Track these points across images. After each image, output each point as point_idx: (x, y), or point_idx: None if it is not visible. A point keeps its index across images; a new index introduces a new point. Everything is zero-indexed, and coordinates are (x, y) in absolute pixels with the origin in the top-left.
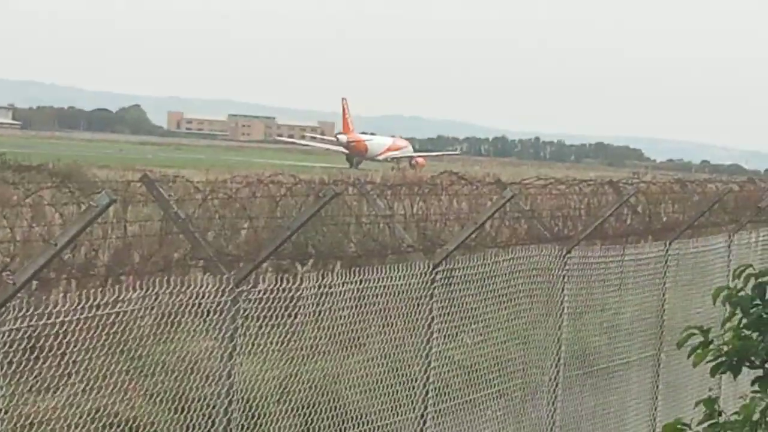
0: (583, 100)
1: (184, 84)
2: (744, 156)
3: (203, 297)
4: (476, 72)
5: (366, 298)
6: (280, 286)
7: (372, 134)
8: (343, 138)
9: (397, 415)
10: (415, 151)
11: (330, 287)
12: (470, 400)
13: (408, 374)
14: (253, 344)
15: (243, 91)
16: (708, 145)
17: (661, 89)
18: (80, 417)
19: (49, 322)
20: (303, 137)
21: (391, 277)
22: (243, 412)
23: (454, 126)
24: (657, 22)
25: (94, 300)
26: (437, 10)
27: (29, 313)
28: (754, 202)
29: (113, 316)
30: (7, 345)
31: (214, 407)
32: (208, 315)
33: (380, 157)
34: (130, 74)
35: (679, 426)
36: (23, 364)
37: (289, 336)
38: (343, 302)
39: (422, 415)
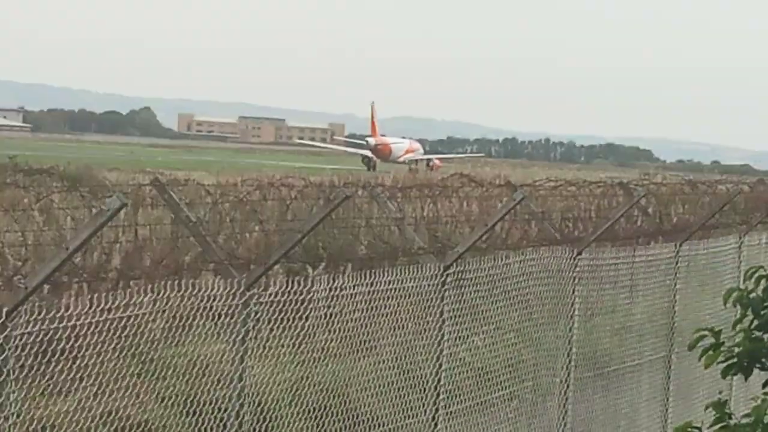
0: (593, 100)
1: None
2: (754, 157)
3: (214, 300)
4: (486, 73)
5: (377, 300)
6: (291, 288)
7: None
8: (371, 141)
9: (409, 418)
10: (425, 152)
11: (341, 290)
12: (481, 402)
13: (419, 376)
14: (264, 347)
15: (254, 94)
16: (718, 145)
17: (672, 90)
18: (92, 420)
19: (61, 325)
20: (333, 140)
21: (402, 280)
22: (254, 414)
23: (465, 127)
24: (668, 24)
25: (106, 304)
26: (446, 11)
27: (41, 316)
28: (764, 202)
29: (125, 320)
30: (20, 349)
31: (225, 410)
32: (219, 318)
33: (401, 159)
34: (141, 77)
35: (689, 429)
36: (35, 367)
37: (300, 339)
38: (354, 305)
39: (433, 418)
